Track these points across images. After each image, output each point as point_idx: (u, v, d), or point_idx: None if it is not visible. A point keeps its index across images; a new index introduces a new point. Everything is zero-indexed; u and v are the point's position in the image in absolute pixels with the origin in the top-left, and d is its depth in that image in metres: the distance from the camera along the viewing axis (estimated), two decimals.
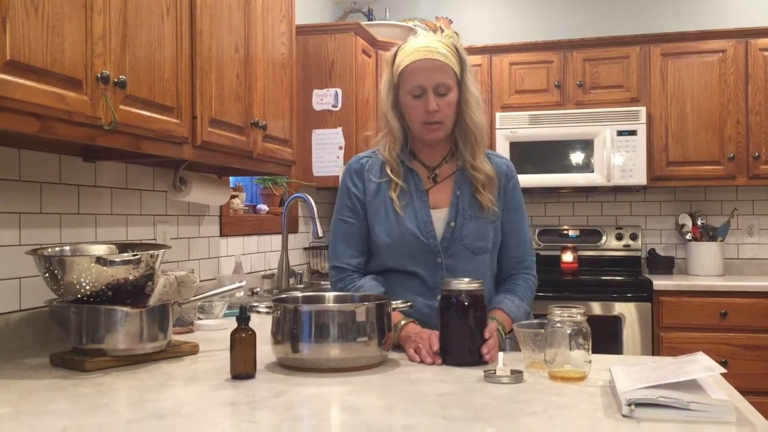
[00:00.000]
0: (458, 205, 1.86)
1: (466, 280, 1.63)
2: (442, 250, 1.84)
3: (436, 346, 1.62)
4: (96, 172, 2.19)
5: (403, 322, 1.74)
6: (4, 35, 1.35)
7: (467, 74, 1.86)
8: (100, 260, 1.61)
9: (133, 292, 1.69)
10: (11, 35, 1.37)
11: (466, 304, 1.60)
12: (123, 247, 1.84)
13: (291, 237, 3.65)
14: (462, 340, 1.60)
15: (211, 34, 2.14)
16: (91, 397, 1.36)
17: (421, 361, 1.62)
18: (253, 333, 1.51)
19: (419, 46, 1.83)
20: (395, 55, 1.86)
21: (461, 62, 1.85)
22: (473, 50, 4.28)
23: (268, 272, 3.42)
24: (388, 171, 1.88)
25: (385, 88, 1.89)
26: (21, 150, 1.90)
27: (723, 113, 3.99)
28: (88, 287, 1.62)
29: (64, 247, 1.82)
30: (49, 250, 1.77)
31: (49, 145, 1.89)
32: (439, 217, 1.87)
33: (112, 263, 1.62)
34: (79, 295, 1.64)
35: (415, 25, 4.50)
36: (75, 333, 1.65)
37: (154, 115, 1.86)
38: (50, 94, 1.48)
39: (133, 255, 1.67)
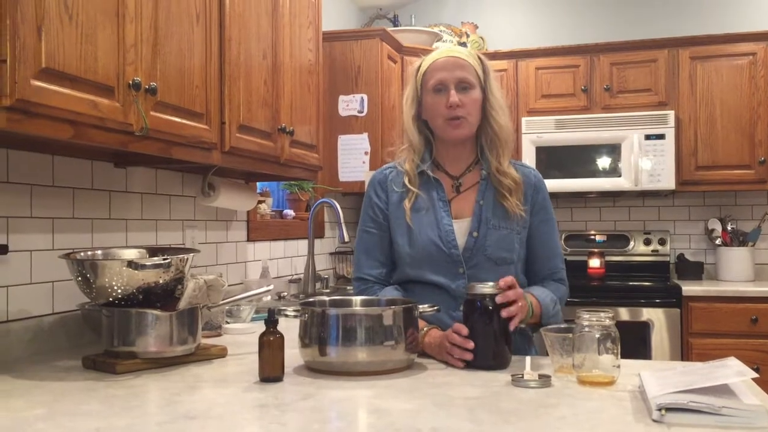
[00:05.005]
0: (481, 215, 1.84)
1: (491, 284, 1.63)
2: (464, 261, 1.82)
3: (465, 331, 1.60)
4: (127, 178, 2.23)
5: (425, 329, 1.73)
6: (39, 43, 1.38)
7: (491, 80, 1.88)
8: (131, 264, 1.64)
9: (163, 296, 1.71)
10: (46, 43, 1.40)
11: (491, 308, 1.60)
12: (153, 251, 1.86)
13: (317, 242, 3.67)
14: (486, 344, 1.60)
15: (239, 42, 2.17)
16: (123, 399, 1.38)
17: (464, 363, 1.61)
18: (281, 336, 1.53)
19: (442, 49, 1.91)
20: (419, 65, 1.89)
21: (484, 68, 1.88)
22: (499, 55, 4.29)
23: (295, 277, 3.43)
24: (406, 181, 1.87)
25: (408, 101, 1.90)
26: (54, 156, 1.93)
27: (753, 117, 3.93)
28: (119, 290, 1.65)
29: (96, 252, 1.85)
30: (82, 254, 1.79)
31: (82, 151, 1.93)
32: (462, 227, 1.84)
33: (143, 267, 1.64)
34: (110, 299, 1.66)
35: (441, 31, 4.51)
36: (107, 336, 1.67)
37: (184, 121, 1.88)
38: (84, 101, 1.50)
39: (164, 259, 1.69)
